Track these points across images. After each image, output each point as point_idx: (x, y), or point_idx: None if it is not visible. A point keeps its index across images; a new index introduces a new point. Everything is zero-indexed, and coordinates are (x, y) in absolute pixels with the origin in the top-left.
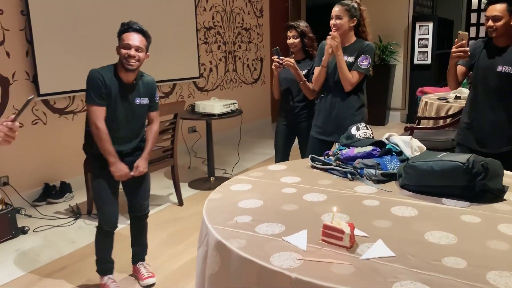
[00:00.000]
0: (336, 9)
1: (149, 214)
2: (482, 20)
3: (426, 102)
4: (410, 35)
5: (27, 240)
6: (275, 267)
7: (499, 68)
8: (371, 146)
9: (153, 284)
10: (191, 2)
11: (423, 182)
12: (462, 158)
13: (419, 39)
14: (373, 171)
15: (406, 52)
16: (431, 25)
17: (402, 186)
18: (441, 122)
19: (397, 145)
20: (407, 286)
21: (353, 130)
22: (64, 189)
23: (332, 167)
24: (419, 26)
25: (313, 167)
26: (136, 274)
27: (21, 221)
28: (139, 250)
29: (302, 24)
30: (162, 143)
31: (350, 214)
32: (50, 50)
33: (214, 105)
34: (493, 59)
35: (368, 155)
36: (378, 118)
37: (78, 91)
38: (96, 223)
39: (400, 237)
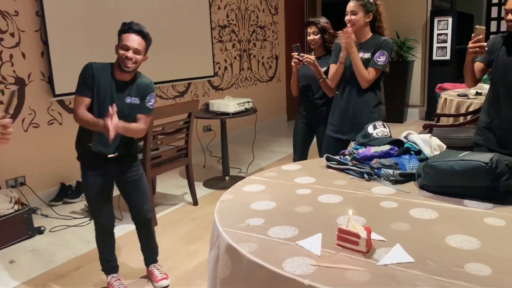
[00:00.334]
0: (351, 4)
1: (151, 219)
2: (503, 14)
3: (445, 99)
4: (429, 30)
5: (43, 240)
6: (287, 273)
7: None
8: (389, 145)
9: (167, 286)
10: (206, 1)
11: (443, 182)
12: (485, 157)
13: (438, 34)
14: (390, 171)
15: (425, 47)
16: (450, 19)
17: (421, 187)
18: (461, 119)
19: (415, 144)
20: None
21: (370, 128)
22: (80, 189)
23: (348, 167)
24: (438, 21)
25: (328, 167)
26: (150, 276)
27: (37, 221)
28: (149, 253)
29: (323, 20)
30: (177, 142)
31: (366, 217)
32: (65, 50)
33: (228, 104)
34: None
35: (385, 155)
36: (396, 115)
37: None
38: (117, 220)
39: (420, 241)
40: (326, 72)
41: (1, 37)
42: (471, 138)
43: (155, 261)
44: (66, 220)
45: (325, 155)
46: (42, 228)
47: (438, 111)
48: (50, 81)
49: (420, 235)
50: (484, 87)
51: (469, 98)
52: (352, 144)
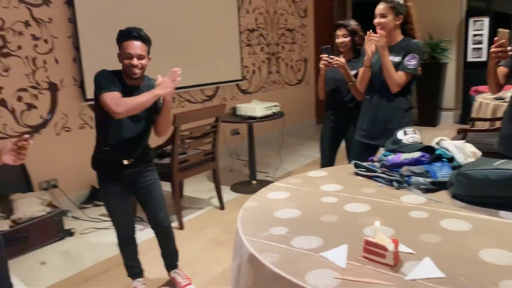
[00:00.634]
0: (380, 7)
1: (170, 225)
2: None
3: (481, 102)
4: (463, 31)
5: (73, 242)
6: (309, 286)
7: None
8: (420, 152)
9: None
10: (234, 5)
11: (477, 192)
12: None
13: (473, 35)
14: (421, 179)
15: (459, 49)
16: (486, 20)
17: (454, 196)
18: (497, 124)
19: (448, 151)
20: None
21: (400, 134)
22: (94, 195)
23: (377, 174)
24: (473, 21)
25: (356, 174)
26: (173, 282)
27: (68, 223)
28: (169, 259)
29: (353, 23)
30: (204, 146)
31: (395, 227)
32: (96, 56)
33: (256, 108)
34: None
35: (416, 162)
36: (428, 118)
37: None
38: (140, 226)
39: (451, 255)
40: (356, 76)
41: (35, 44)
42: None
43: (175, 266)
44: (96, 223)
45: (353, 162)
46: (73, 230)
47: (473, 115)
48: (81, 86)
49: (452, 248)
50: None
51: (506, 101)
52: (382, 151)
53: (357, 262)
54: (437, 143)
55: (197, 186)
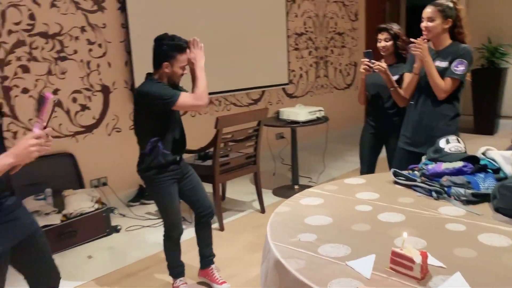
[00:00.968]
0: (428, 10)
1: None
2: None
3: None
4: None
5: (119, 238)
6: None
7: None
8: (462, 162)
9: None
10: (282, 9)
11: None
12: None
13: None
14: (462, 190)
15: None
16: None
17: (496, 210)
18: None
19: (495, 161)
20: None
21: (442, 143)
22: (141, 194)
23: (416, 183)
24: None
25: (395, 182)
26: (208, 278)
27: (115, 220)
28: (208, 251)
29: (395, 27)
30: (245, 149)
31: (427, 239)
32: (147, 60)
33: (299, 112)
34: None
35: (457, 172)
36: (485, 126)
37: None
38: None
39: (485, 271)
40: (398, 81)
41: (90, 48)
42: None
43: (212, 261)
44: (141, 221)
45: (392, 170)
46: (119, 227)
47: None
48: (132, 89)
49: (487, 265)
50: None
51: None
52: (423, 159)
53: (384, 273)
54: (483, 153)
55: (239, 189)
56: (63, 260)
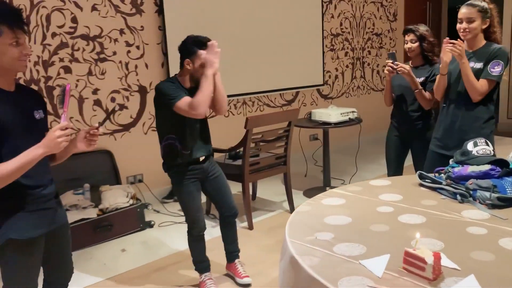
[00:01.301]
0: (466, 11)
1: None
2: None
3: None
4: None
5: (152, 233)
6: None
7: None
8: (489, 165)
9: (249, 285)
10: (318, 10)
11: None
12: None
13: None
14: (487, 193)
15: None
16: None
17: None
18: None
19: None
20: None
21: (470, 145)
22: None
23: (441, 186)
24: None
25: (421, 185)
26: (232, 272)
27: (149, 216)
28: (232, 247)
29: (422, 28)
30: (276, 150)
31: (445, 241)
32: None
33: (331, 114)
34: None
35: (484, 175)
36: None
37: None
38: (213, 223)
39: (501, 276)
40: (424, 83)
41: (128, 50)
42: None
43: (238, 256)
44: (174, 217)
45: (418, 172)
46: (152, 222)
47: None
48: None
49: (504, 269)
50: None
51: None
52: (450, 162)
53: (396, 273)
54: None
55: (270, 189)
56: (98, 252)
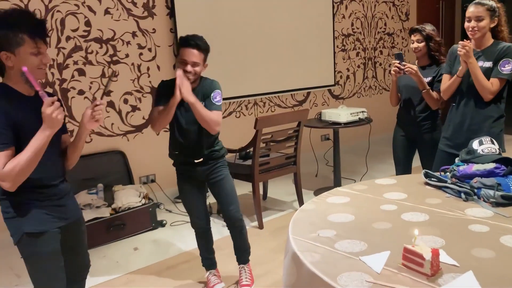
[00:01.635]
0: (474, 10)
1: (241, 219)
2: None
3: None
4: None
5: (164, 232)
6: (339, 287)
7: None
8: (494, 164)
9: None
10: (329, 11)
11: None
12: None
13: None
14: (491, 192)
15: None
16: None
17: None
18: None
19: None
20: None
21: (475, 144)
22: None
23: (446, 184)
24: None
25: (426, 183)
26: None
27: (161, 215)
28: (239, 253)
29: (428, 28)
30: (285, 150)
31: (447, 239)
32: None
33: (340, 114)
34: None
35: (489, 174)
36: None
37: None
38: (223, 223)
39: (500, 274)
40: (431, 83)
41: (141, 52)
42: None
43: (245, 262)
44: (185, 217)
45: (423, 171)
46: (164, 222)
47: None
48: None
49: (504, 266)
50: None
51: None
52: (456, 160)
53: (395, 269)
54: None
55: (281, 189)
56: (111, 250)
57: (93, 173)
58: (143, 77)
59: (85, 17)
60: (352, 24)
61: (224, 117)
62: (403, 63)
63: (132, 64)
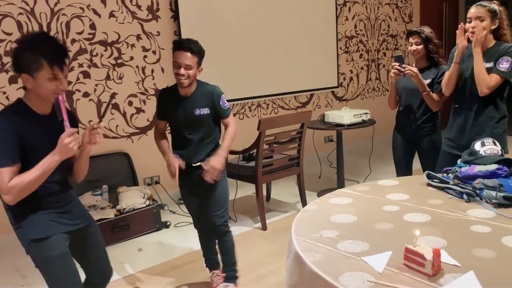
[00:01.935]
0: (475, 10)
1: (228, 229)
2: None
3: None
4: None
5: (168, 233)
6: (341, 286)
7: None
8: (496, 165)
9: None
10: (332, 13)
11: None
12: None
13: None
14: (493, 193)
15: None
16: None
17: None
18: None
19: None
20: None
21: (477, 145)
22: None
23: (448, 185)
24: None
25: (428, 184)
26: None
27: (165, 216)
28: (224, 268)
29: (427, 30)
30: (289, 151)
31: (448, 239)
32: None
33: (344, 115)
34: None
35: (491, 175)
36: None
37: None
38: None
39: (502, 274)
40: (430, 85)
41: (145, 55)
42: None
43: (230, 280)
44: (189, 218)
45: (426, 172)
46: (168, 223)
47: None
48: None
49: (505, 266)
50: None
51: None
52: (458, 162)
53: (396, 268)
54: None
55: (284, 190)
56: (115, 251)
57: (98, 174)
58: (147, 79)
59: (90, 20)
60: (355, 26)
61: None
62: (403, 65)
63: (137, 66)
